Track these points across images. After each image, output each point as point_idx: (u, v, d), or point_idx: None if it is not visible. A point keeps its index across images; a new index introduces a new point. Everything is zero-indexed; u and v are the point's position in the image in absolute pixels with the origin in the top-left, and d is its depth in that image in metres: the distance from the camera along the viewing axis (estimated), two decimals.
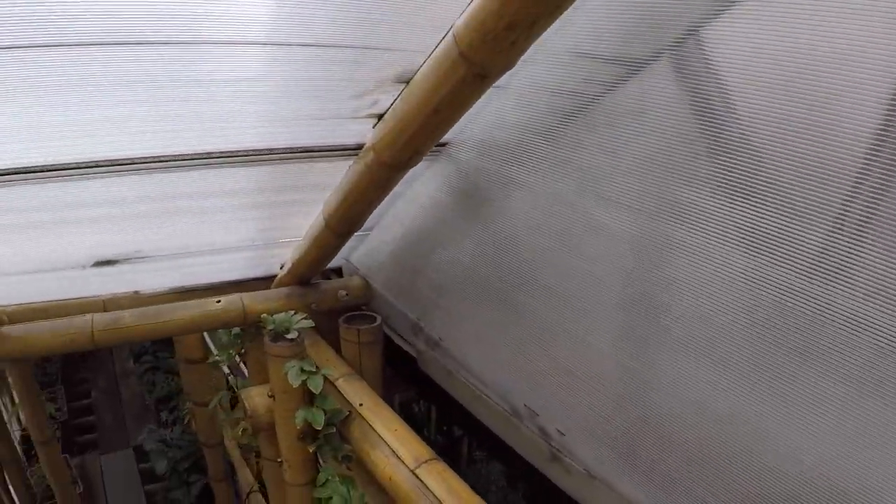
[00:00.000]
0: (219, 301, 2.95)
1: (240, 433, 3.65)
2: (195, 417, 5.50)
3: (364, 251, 3.14)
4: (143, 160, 2.17)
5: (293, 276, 3.05)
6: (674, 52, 1.59)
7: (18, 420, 10.39)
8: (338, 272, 3.38)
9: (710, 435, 1.79)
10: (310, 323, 2.78)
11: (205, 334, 6.03)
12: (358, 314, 3.06)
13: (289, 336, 2.75)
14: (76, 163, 2.11)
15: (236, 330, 3.21)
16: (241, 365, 5.90)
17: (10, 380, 9.35)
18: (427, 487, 2.28)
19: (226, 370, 6.78)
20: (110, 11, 1.58)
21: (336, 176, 2.48)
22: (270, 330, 2.80)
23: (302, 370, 2.64)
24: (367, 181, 2.20)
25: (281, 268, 3.19)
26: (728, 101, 1.52)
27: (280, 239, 3.00)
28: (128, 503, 9.23)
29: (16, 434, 9.31)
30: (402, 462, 2.41)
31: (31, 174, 2.09)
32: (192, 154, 2.20)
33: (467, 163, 2.36)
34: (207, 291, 3.23)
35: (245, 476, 6.67)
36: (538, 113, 2.04)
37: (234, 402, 5.10)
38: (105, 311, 3.06)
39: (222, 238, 2.94)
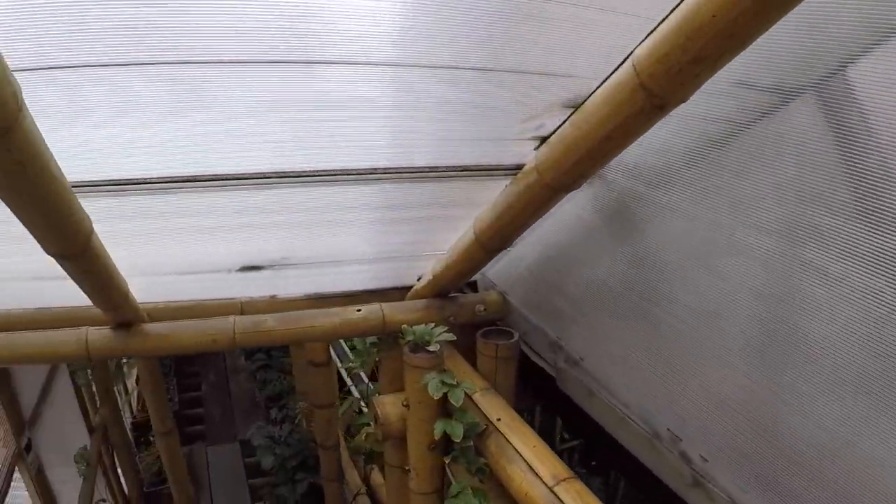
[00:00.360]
0: (359, 310, 3.03)
1: (363, 438, 3.73)
2: (313, 418, 5.63)
3: (502, 266, 3.17)
4: (301, 174, 2.26)
5: (432, 288, 3.10)
6: (821, 83, 1.58)
7: (130, 408, 10.78)
8: (472, 286, 3.42)
9: (860, 475, 1.75)
10: (451, 336, 2.82)
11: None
12: (494, 329, 3.09)
13: (430, 348, 2.80)
14: (234, 174, 2.21)
15: (372, 338, 3.28)
16: (361, 373, 6.03)
17: (130, 370, 9.78)
18: None
19: (345, 375, 6.93)
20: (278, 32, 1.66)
21: (484, 193, 2.52)
22: (409, 341, 2.86)
23: (443, 383, 2.69)
24: (527, 201, 2.23)
25: (418, 279, 3.25)
26: (870, 130, 1.50)
27: (423, 252, 3.06)
28: (232, 494, 9.40)
29: (127, 421, 9.63)
30: (540, 479, 2.43)
31: (195, 182, 2.21)
32: (340, 170, 2.29)
33: (615, 183, 2.37)
34: (340, 299, 3.32)
35: (353, 478, 6.79)
36: (689, 139, 2.04)
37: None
38: (242, 313, 3.17)
39: (360, 248, 3.02)
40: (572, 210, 2.61)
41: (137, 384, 10.76)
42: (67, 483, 6.77)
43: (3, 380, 5.43)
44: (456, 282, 3.06)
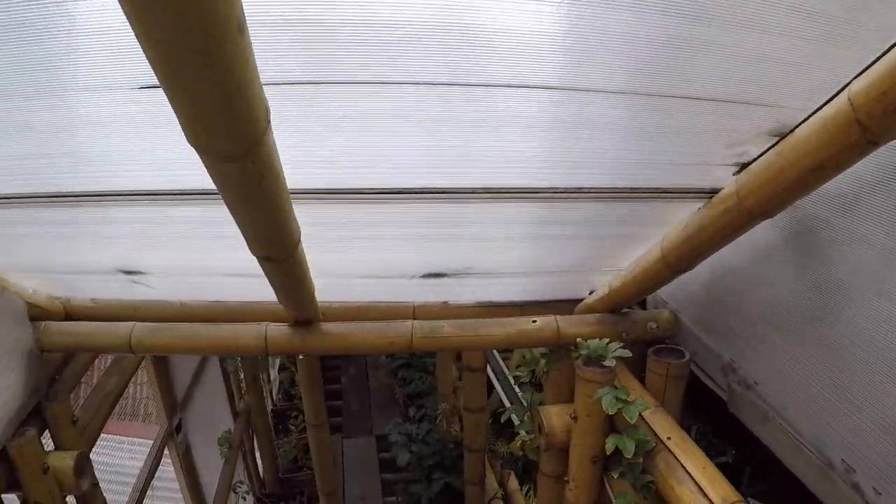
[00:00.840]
0: (535, 321, 3.09)
1: (518, 445, 3.79)
2: (454, 420, 5.74)
3: (674, 285, 3.17)
4: (495, 190, 2.34)
5: (605, 303, 3.13)
6: None
7: (271, 396, 11.17)
8: (640, 304, 3.43)
9: None
10: (627, 353, 2.85)
11: None
12: (665, 347, 3.10)
13: (605, 363, 2.84)
14: (421, 188, 2.32)
15: (542, 349, 3.34)
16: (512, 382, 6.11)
17: (273, 360, 10.12)
18: None
19: (495, 380, 7.01)
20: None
21: (664, 215, 2.54)
22: (583, 354, 2.90)
23: (617, 399, 2.72)
24: (722, 225, 2.23)
25: (590, 293, 3.29)
26: None
27: (595, 267, 3.09)
28: (364, 486, 9.64)
29: (268, 408, 9.97)
30: (710, 500, 2.44)
31: (392, 194, 2.32)
32: (533, 189, 2.37)
33: (800, 207, 2.35)
34: (509, 308, 3.39)
35: (489, 482, 6.85)
36: (877, 166, 2.02)
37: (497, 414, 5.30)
38: (415, 318, 3.28)
39: (534, 262, 3.07)
40: (753, 231, 2.59)
41: (280, 373, 11.15)
42: (210, 463, 7.15)
43: (162, 363, 5.75)
44: (632, 298, 3.08)
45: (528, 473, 5.86)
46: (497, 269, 3.12)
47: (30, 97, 1.89)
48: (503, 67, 1.83)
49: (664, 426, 2.83)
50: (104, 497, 3.78)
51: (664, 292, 3.32)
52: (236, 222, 1.86)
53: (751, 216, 2.12)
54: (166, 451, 6.12)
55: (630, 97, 1.98)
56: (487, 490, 6.62)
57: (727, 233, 2.27)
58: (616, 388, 2.80)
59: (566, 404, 3.18)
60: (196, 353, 3.27)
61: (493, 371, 7.32)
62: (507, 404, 6.32)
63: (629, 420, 2.68)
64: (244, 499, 7.66)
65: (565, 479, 3.25)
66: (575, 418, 3.01)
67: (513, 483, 6.81)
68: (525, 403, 3.78)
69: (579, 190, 2.36)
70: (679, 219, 2.49)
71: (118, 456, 7.48)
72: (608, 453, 2.84)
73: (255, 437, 9.03)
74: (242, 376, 8.39)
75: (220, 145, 1.35)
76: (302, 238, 2.19)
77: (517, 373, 3.55)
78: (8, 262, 3.08)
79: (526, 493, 6.36)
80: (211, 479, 7.16)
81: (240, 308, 3.42)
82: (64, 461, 3.24)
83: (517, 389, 6.17)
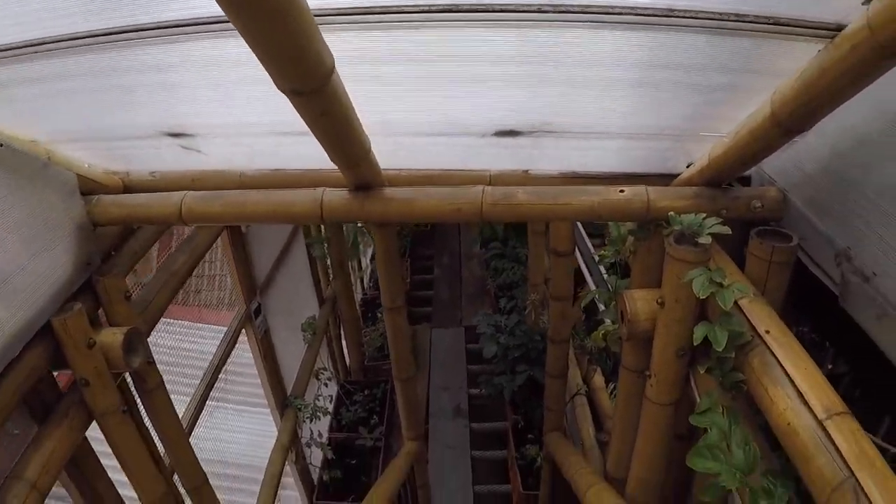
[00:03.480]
0: (622, 191, 2.71)
1: (600, 335, 3.47)
2: (543, 311, 5.42)
3: (783, 160, 2.75)
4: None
5: (705, 175, 2.72)
6: None
7: (362, 284, 11.14)
8: (743, 182, 3.01)
9: None
10: (725, 229, 2.47)
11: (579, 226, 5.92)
12: (769, 230, 2.70)
13: (700, 240, 2.47)
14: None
15: (630, 225, 2.97)
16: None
17: (365, 248, 10.03)
18: (834, 444, 1.92)
19: (585, 270, 6.68)
20: None
21: (781, 59, 2.12)
22: (676, 230, 2.54)
23: (711, 281, 2.35)
24: (848, 66, 1.79)
25: (687, 166, 2.89)
26: None
27: (696, 132, 2.69)
28: (450, 376, 9.64)
29: (357, 296, 9.91)
30: (809, 408, 2.05)
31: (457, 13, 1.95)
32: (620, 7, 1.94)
33: None
34: (596, 180, 2.99)
35: (573, 376, 6.61)
36: None
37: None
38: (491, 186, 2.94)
39: (624, 120, 2.67)
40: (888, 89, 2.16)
41: (372, 262, 11.09)
42: (291, 348, 7.10)
43: (239, 242, 5.60)
44: (736, 169, 2.66)
45: (616, 370, 5.61)
46: (583, 127, 2.71)
47: None
48: None
49: (763, 317, 2.43)
50: (161, 376, 3.63)
51: (772, 169, 2.90)
52: (254, 50, 1.55)
53: (885, 54, 1.70)
54: (245, 336, 6.05)
55: None
56: (570, 385, 6.38)
57: (854, 77, 1.84)
58: (710, 269, 2.43)
59: (653, 289, 2.83)
60: (248, 221, 3.03)
61: (584, 259, 6.98)
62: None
63: (723, 306, 2.31)
64: (326, 385, 7.57)
65: (647, 373, 2.92)
66: (662, 304, 2.65)
67: (598, 380, 6.60)
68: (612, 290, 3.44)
69: (671, 12, 1.95)
70: (794, 68, 2.07)
71: (197, 341, 7.46)
72: (695, 344, 2.47)
73: (341, 324, 8.96)
74: (329, 262, 8.25)
75: None
76: (343, 79, 1.88)
77: (603, 252, 3.19)
78: (53, 129, 2.90)
79: (612, 392, 6.15)
80: (292, 364, 7.13)
81: (299, 176, 3.15)
82: (113, 337, 3.08)
83: (606, 278, 5.83)
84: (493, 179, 3.00)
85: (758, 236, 2.61)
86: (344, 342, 9.09)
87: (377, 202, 2.83)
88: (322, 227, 7.77)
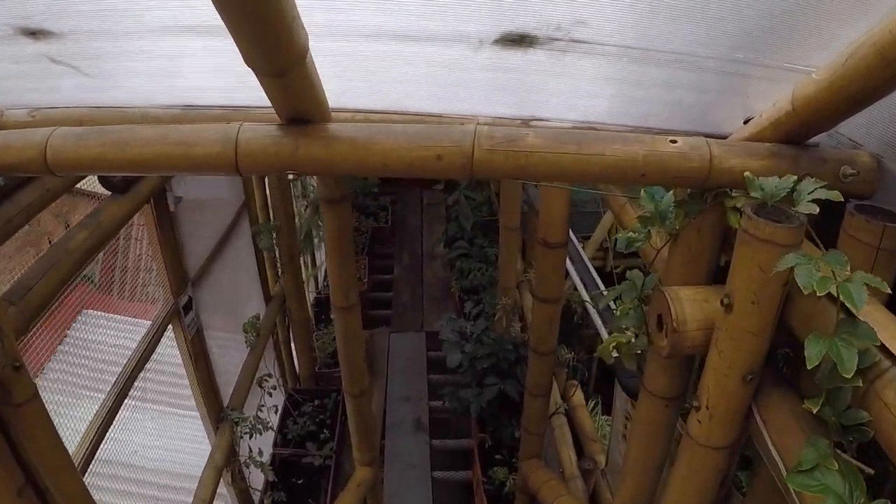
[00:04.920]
0: (674, 141, 1.89)
1: (610, 347, 2.63)
2: (532, 315, 4.57)
3: (874, 119, 1.96)
4: None
5: (782, 127, 1.92)
6: None
7: (316, 282, 10.34)
8: None
9: None
10: (835, 195, 1.67)
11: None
12: (866, 206, 1.90)
13: (794, 212, 1.66)
14: None
15: (677, 193, 2.14)
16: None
17: (320, 242, 9.23)
18: None
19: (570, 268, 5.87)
20: None
21: None
22: (754, 199, 1.73)
23: (820, 271, 1.54)
24: None
25: (745, 122, 2.08)
26: None
27: (768, 74, 1.88)
28: (409, 386, 8.93)
29: (310, 296, 9.42)
30: None
31: None
32: None
33: None
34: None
35: (552, 393, 5.87)
36: None
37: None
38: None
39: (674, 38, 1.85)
40: None
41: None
42: (230, 352, 6.37)
43: (166, 222, 4.70)
44: (825, 121, 1.85)
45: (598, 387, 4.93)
46: (625, 43, 1.88)
47: None
48: None
49: (890, 327, 1.63)
50: (34, 387, 2.76)
51: (857, 131, 2.09)
52: None
53: None
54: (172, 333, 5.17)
55: None
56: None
57: None
58: (811, 257, 1.61)
59: (703, 287, 2.02)
60: (135, 169, 2.03)
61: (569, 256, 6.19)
62: (587, 298, 5.18)
63: (854, 308, 1.49)
64: (270, 394, 6.74)
65: (691, 403, 2.10)
66: (728, 305, 1.82)
67: (578, 397, 6.11)
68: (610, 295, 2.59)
69: None
70: None
71: (116, 336, 6.55)
72: (810, 367, 1.60)
73: (290, 326, 8.19)
74: (278, 255, 7.42)
75: None
76: None
77: (631, 234, 2.29)
78: None
79: (592, 409, 5.77)
80: (231, 370, 6.31)
81: (219, 116, 2.30)
82: None
83: (598, 281, 5.05)
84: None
85: (860, 211, 1.81)
86: (293, 346, 8.35)
87: (318, 142, 1.94)
88: (270, 213, 6.99)
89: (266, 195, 7.15)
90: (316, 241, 8.49)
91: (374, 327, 9.90)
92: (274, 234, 7.11)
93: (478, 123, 1.89)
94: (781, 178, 1.73)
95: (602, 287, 5.44)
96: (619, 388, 4.07)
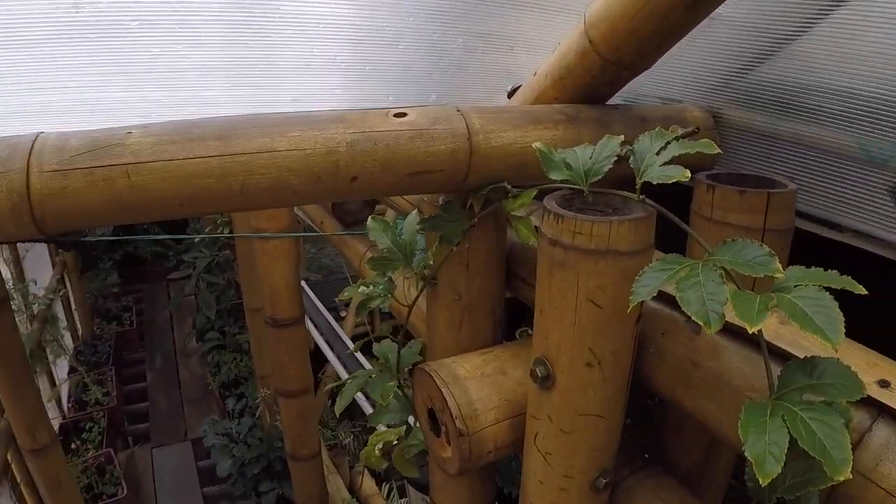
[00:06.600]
0: (403, 114, 1.06)
1: (376, 452, 1.79)
2: (280, 413, 3.63)
3: (696, 73, 1.30)
4: None
5: (575, 81, 1.19)
6: None
7: (59, 406, 9.07)
8: None
9: None
10: (710, 145, 0.94)
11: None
12: (721, 174, 1.21)
13: (640, 195, 0.92)
14: None
15: (415, 213, 1.31)
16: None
17: (57, 359, 8.03)
18: None
19: (323, 344, 4.99)
20: None
21: None
22: (559, 185, 0.98)
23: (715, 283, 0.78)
24: None
25: (510, 94, 1.35)
26: None
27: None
28: None
29: (55, 423, 7.97)
30: None
31: None
32: None
33: None
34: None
35: (336, 486, 5.12)
36: None
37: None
38: None
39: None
40: None
41: (71, 374, 9.27)
42: None
43: None
44: (644, 42, 1.13)
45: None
46: None
47: None
48: None
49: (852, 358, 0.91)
50: None
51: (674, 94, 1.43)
52: None
53: None
54: None
55: None
56: (333, 497, 4.81)
57: None
58: (689, 263, 0.85)
59: (497, 349, 1.26)
60: None
61: (319, 329, 5.26)
62: (344, 374, 4.33)
63: (828, 340, 0.69)
64: None
65: None
66: (546, 376, 1.03)
67: (369, 486, 5.32)
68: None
69: None
70: None
71: None
72: (766, 481, 0.76)
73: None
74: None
75: None
76: None
77: (363, 289, 1.40)
78: None
79: (388, 495, 5.09)
80: None
81: None
82: None
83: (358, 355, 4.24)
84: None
85: (718, 182, 1.12)
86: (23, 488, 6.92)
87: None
88: None
89: None
90: (50, 357, 7.57)
91: (133, 444, 8.96)
92: None
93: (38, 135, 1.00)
94: (601, 142, 0.99)
95: (368, 365, 4.61)
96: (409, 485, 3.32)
